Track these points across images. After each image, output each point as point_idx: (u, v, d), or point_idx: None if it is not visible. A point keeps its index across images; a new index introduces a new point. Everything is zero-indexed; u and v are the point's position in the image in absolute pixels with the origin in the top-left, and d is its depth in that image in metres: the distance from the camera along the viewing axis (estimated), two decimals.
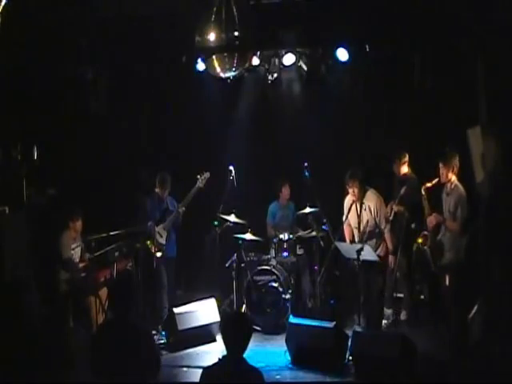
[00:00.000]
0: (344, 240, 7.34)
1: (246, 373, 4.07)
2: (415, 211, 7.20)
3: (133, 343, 4.44)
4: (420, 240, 6.89)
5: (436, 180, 6.78)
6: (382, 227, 7.16)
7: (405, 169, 7.75)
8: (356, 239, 7.26)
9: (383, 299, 7.55)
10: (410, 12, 7.39)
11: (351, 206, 7.22)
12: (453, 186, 6.69)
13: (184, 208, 7.77)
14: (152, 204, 7.82)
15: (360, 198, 7.15)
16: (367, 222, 7.15)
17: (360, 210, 7.15)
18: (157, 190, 7.80)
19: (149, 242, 7.56)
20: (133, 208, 7.87)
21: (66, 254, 7.48)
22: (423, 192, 6.82)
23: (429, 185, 6.81)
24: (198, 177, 7.80)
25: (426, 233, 6.87)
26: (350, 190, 7.18)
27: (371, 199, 7.17)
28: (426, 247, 6.85)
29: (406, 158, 7.75)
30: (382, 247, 7.24)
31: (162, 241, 7.71)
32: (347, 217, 7.26)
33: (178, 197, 7.91)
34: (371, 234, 7.19)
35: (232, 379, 4.04)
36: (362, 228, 7.17)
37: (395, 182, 7.77)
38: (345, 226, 7.36)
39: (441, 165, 6.69)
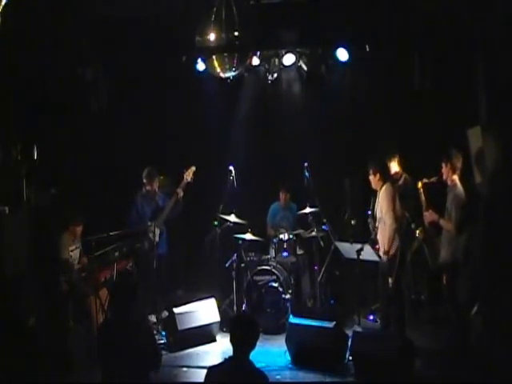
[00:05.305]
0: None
1: (250, 374, 4.08)
2: (415, 211, 7.21)
3: (134, 341, 4.44)
4: (419, 233, 6.91)
5: (434, 178, 6.76)
6: (385, 220, 6.92)
7: (395, 167, 7.74)
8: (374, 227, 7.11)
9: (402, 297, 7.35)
10: (410, 12, 7.39)
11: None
12: (452, 184, 6.65)
13: (181, 194, 7.80)
14: (144, 202, 7.91)
15: (381, 185, 7.00)
16: (381, 209, 7.06)
17: (378, 197, 7.08)
18: (147, 186, 7.88)
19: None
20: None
21: (64, 255, 7.46)
22: (420, 187, 6.82)
23: (426, 180, 6.81)
24: (184, 170, 7.87)
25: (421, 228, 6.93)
26: (375, 178, 6.99)
27: (384, 188, 6.99)
28: (419, 237, 6.86)
29: (397, 157, 7.74)
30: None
31: (156, 238, 7.76)
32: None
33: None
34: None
35: (236, 379, 4.05)
36: (378, 215, 7.01)
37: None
38: None
39: (443, 163, 6.67)
